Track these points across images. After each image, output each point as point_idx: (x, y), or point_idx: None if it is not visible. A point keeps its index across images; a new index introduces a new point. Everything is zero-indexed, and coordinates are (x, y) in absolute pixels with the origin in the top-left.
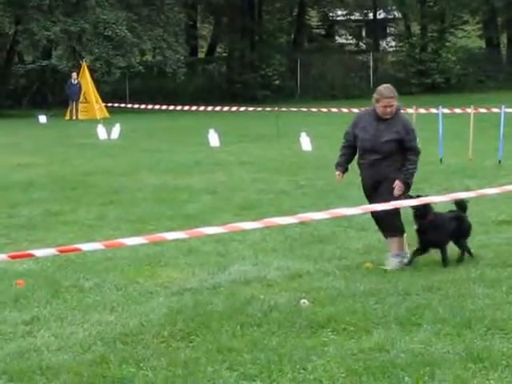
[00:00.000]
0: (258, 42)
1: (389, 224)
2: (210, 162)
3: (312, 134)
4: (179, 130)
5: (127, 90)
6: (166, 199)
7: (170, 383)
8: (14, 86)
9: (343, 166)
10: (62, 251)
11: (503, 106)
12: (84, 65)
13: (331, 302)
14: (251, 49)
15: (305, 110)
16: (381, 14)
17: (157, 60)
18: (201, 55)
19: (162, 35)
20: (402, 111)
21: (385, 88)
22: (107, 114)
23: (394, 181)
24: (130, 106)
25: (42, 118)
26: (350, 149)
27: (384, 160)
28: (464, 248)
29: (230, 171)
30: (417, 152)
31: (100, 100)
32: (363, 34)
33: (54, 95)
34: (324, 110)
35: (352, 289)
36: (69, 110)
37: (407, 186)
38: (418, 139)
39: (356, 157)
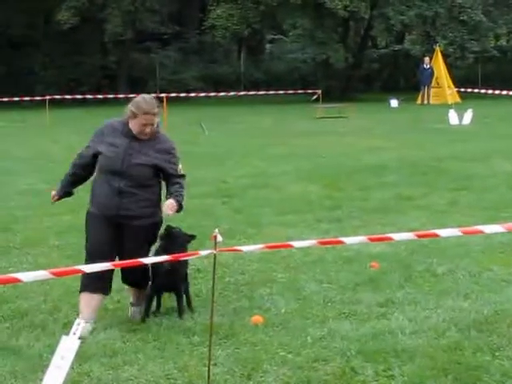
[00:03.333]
0: None
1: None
2: None
3: None
4: None
5: (479, 74)
6: None
7: None
8: (367, 70)
9: (66, 190)
10: (419, 236)
11: None
12: (437, 49)
13: None
14: None
15: None
16: None
17: (511, 44)
18: None
19: None
20: (161, 131)
21: (146, 100)
22: (459, 99)
23: (145, 224)
24: (482, 91)
25: (394, 103)
26: (83, 170)
27: (134, 189)
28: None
29: None
30: (185, 176)
31: (452, 85)
32: None
33: (405, 80)
34: None
35: None
36: (420, 94)
37: (181, 207)
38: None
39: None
